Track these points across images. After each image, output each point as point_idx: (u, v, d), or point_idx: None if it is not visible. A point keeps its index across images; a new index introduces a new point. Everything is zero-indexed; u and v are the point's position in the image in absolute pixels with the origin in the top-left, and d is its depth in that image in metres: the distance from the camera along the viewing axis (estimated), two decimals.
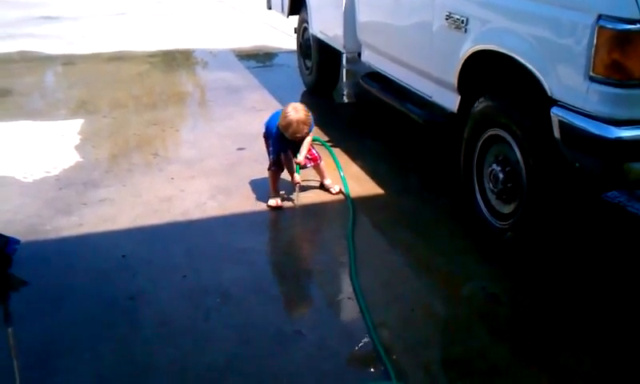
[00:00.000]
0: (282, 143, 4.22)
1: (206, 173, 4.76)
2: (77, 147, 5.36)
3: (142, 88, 7.26)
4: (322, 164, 4.41)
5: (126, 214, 4.14)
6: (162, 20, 11.67)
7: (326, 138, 5.22)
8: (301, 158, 4.21)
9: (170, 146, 5.46)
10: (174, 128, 5.90)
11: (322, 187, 4.43)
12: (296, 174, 4.29)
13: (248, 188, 4.48)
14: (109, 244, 3.80)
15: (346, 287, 3.33)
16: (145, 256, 3.65)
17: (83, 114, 6.30)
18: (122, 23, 11.48)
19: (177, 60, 8.76)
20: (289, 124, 4.07)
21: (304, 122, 4.10)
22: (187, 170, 4.83)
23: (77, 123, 5.97)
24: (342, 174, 4.50)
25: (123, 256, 3.64)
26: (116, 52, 9.11)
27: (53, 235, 3.90)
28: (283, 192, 4.34)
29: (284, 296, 3.37)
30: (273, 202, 4.21)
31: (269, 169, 4.30)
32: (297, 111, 4.10)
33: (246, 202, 4.27)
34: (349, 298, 3.24)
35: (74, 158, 5.12)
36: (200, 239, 3.82)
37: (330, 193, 4.36)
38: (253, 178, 4.61)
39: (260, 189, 4.44)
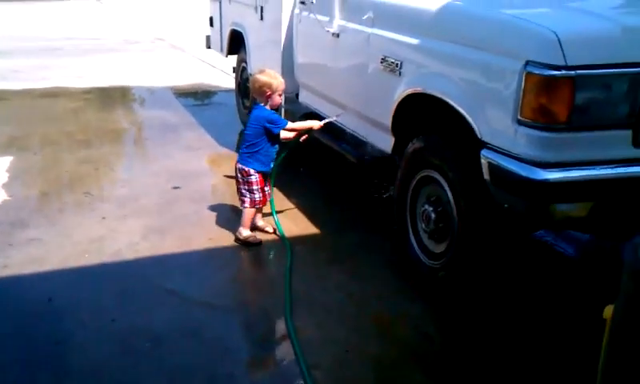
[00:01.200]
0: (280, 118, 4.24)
1: (139, 212, 4.66)
2: (5, 185, 5.19)
3: (75, 125, 7.11)
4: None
5: (55, 255, 4.01)
6: (99, 56, 11.52)
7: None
8: (314, 125, 4.31)
9: (103, 185, 5.34)
10: (107, 166, 5.78)
11: (256, 228, 4.36)
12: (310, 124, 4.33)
13: (182, 228, 4.41)
14: (35, 286, 3.67)
15: (281, 328, 3.30)
16: (73, 299, 3.53)
17: (13, 151, 6.12)
18: (57, 59, 11.28)
19: (113, 97, 8.64)
20: (272, 78, 4.15)
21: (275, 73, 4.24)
22: (120, 209, 4.73)
23: (6, 160, 5.79)
24: (275, 216, 4.46)
25: (50, 299, 3.51)
26: (50, 88, 8.94)
27: None
28: (262, 224, 4.35)
29: (217, 338, 3.29)
30: (248, 233, 4.19)
31: (253, 206, 4.22)
32: (264, 71, 4.23)
33: (180, 243, 4.19)
34: (283, 340, 3.20)
35: (1, 196, 4.96)
36: (131, 281, 3.73)
37: (267, 232, 4.33)
38: (187, 218, 4.55)
39: (195, 228, 4.38)
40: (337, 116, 4.39)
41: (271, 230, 4.34)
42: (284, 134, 4.19)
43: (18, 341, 3.16)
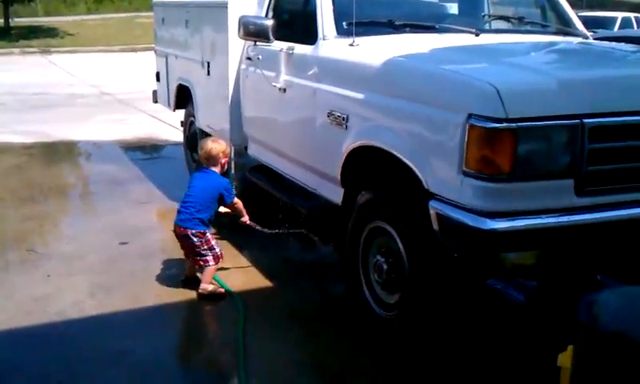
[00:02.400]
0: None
1: (85, 269, 4.56)
2: None
3: (19, 181, 6.95)
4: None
5: None
6: (45, 111, 11.34)
7: (213, 230, 5.16)
8: (246, 218, 4.49)
9: (48, 242, 5.22)
10: (52, 222, 5.66)
11: (188, 283, 4.26)
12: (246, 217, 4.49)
13: (130, 285, 4.32)
14: None
15: None
16: (15, 362, 3.41)
17: None
18: (0, 115, 11.06)
19: (58, 152, 8.50)
20: (225, 146, 4.42)
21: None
22: (65, 266, 4.62)
23: None
24: (218, 278, 4.33)
25: None
26: None
27: None
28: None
29: None
30: (213, 287, 4.17)
31: (217, 261, 4.22)
32: (216, 140, 4.49)
33: (128, 300, 4.10)
34: None
35: None
36: (77, 341, 3.62)
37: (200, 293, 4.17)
38: (135, 274, 4.46)
39: (143, 285, 4.30)
40: (259, 227, 4.59)
41: (207, 290, 4.19)
42: (226, 207, 4.38)
43: None
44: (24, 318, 3.86)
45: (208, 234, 4.19)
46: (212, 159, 4.33)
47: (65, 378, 3.25)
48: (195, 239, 4.14)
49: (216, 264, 4.19)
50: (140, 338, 3.69)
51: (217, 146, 4.37)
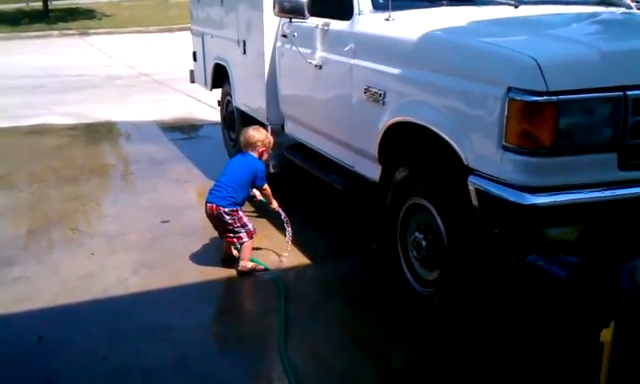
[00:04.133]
0: None
1: (127, 247, 4.64)
2: None
3: (62, 161, 7.09)
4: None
5: (43, 292, 3.98)
6: (84, 93, 11.52)
7: (251, 209, 5.20)
8: (275, 204, 4.53)
9: (91, 221, 5.32)
10: (95, 202, 5.76)
11: (228, 261, 4.33)
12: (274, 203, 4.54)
13: (172, 262, 4.39)
14: (24, 325, 3.64)
15: (276, 362, 3.27)
16: (62, 337, 3.51)
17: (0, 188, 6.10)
18: (42, 96, 11.27)
19: (99, 132, 8.64)
20: (266, 136, 4.47)
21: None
22: (108, 244, 4.71)
23: None
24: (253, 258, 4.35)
25: (39, 338, 3.48)
26: (35, 125, 8.92)
27: None
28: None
29: (210, 375, 3.26)
30: (252, 263, 4.26)
31: (250, 237, 4.25)
32: (258, 128, 4.57)
33: (170, 277, 4.17)
34: (278, 373, 3.18)
35: None
36: (121, 317, 3.70)
37: (240, 271, 4.24)
38: (177, 252, 4.53)
39: (185, 262, 4.37)
40: (285, 217, 4.54)
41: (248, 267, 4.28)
42: (258, 191, 4.45)
43: (8, 380, 3.12)
44: (70, 294, 3.96)
45: (240, 212, 4.23)
46: (251, 146, 4.39)
47: (109, 353, 3.33)
48: (227, 217, 4.18)
49: (250, 240, 4.23)
50: (182, 314, 3.76)
51: (256, 134, 4.44)
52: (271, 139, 4.52)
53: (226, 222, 4.20)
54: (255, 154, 4.38)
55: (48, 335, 3.51)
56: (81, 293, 3.98)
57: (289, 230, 4.49)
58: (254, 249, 4.35)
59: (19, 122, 9.04)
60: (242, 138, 4.47)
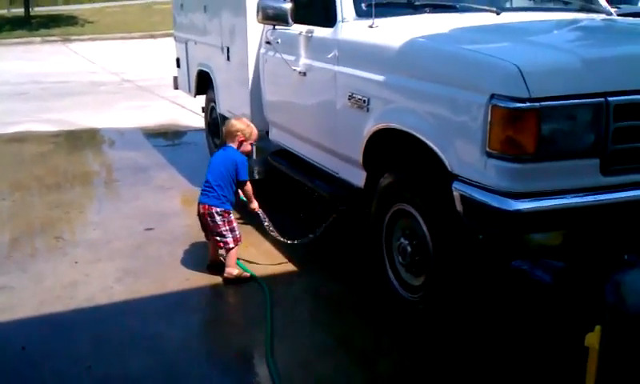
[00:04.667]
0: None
1: (112, 255, 4.62)
2: None
3: (45, 169, 7.05)
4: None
5: (27, 302, 3.95)
6: (67, 100, 11.46)
7: (237, 215, 5.19)
8: (255, 204, 4.41)
9: (75, 229, 5.29)
10: (78, 210, 5.73)
11: (213, 268, 4.31)
12: (255, 203, 4.40)
13: (157, 270, 4.37)
14: (7, 335, 3.61)
15: (263, 369, 3.26)
16: (47, 347, 3.48)
17: None
18: (24, 103, 11.19)
19: (82, 139, 8.59)
20: (247, 126, 4.34)
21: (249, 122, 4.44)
22: (92, 252, 4.68)
23: None
24: (241, 264, 4.36)
25: (23, 348, 3.45)
26: (18, 132, 8.87)
27: None
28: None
29: (196, 382, 3.25)
30: (238, 271, 4.22)
31: (236, 243, 4.21)
32: (240, 119, 4.46)
33: (155, 285, 4.15)
34: (266, 381, 3.17)
35: None
36: (106, 326, 3.68)
37: (226, 277, 4.22)
38: (162, 259, 4.52)
39: (169, 269, 4.36)
40: (266, 221, 4.51)
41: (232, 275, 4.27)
42: (250, 187, 4.35)
43: None
44: (54, 303, 3.93)
45: (231, 215, 4.22)
46: (230, 135, 4.32)
47: (95, 362, 3.31)
48: (218, 218, 4.17)
49: (235, 246, 4.21)
50: (168, 322, 3.75)
51: (237, 123, 4.37)
52: (253, 129, 4.39)
53: (216, 223, 4.18)
54: (234, 145, 4.28)
55: (32, 345, 3.48)
56: (65, 302, 3.95)
57: (271, 229, 4.48)
58: (239, 258, 4.34)
59: (1, 130, 8.97)
60: (223, 129, 4.45)
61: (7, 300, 3.98)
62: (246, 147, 4.34)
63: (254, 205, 4.42)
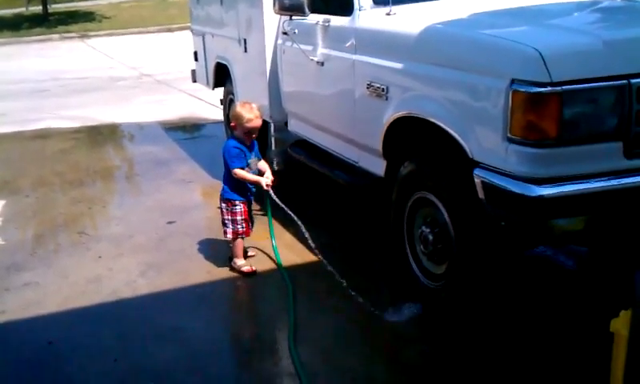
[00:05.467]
0: (239, 157, 4.15)
1: (134, 249, 4.66)
2: None
3: (67, 165, 7.11)
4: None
5: (52, 297, 4.00)
6: (87, 95, 11.54)
7: (257, 207, 5.21)
8: (268, 179, 4.18)
9: (98, 224, 5.33)
10: (100, 204, 5.78)
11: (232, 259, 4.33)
12: (265, 178, 4.18)
13: (179, 263, 4.40)
14: (34, 330, 3.66)
15: (286, 360, 3.27)
16: (73, 341, 3.52)
17: (5, 194, 6.12)
18: (45, 100, 11.29)
19: (102, 135, 8.65)
20: (240, 112, 4.12)
21: (253, 109, 4.17)
22: (115, 247, 4.72)
23: None
24: (275, 246, 4.42)
25: (50, 343, 3.50)
26: (39, 129, 8.94)
27: None
28: (254, 254, 4.39)
29: (221, 375, 3.27)
30: (247, 267, 4.22)
31: (234, 236, 4.22)
32: (243, 104, 4.24)
33: (178, 278, 4.18)
34: (289, 372, 3.18)
35: None
36: (131, 319, 3.72)
37: (250, 257, 4.34)
38: (184, 252, 4.55)
39: (192, 262, 4.38)
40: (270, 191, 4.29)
41: (252, 253, 4.37)
42: (238, 174, 4.16)
43: None
44: (79, 298, 3.97)
45: (238, 207, 4.20)
46: (230, 123, 4.30)
47: (121, 356, 3.35)
48: (223, 206, 4.22)
49: (234, 238, 4.22)
50: (191, 314, 3.78)
51: (235, 107, 4.26)
52: (245, 115, 4.11)
53: (221, 210, 4.24)
54: (237, 133, 4.19)
55: (58, 340, 3.53)
56: (90, 296, 4.00)
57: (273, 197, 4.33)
58: (255, 247, 4.35)
59: (23, 127, 9.06)
60: None
61: (33, 295, 4.03)
62: (239, 134, 4.17)
63: (262, 183, 4.18)
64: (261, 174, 4.23)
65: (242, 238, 4.27)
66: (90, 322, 3.72)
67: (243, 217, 4.23)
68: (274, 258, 4.33)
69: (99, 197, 5.98)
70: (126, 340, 3.50)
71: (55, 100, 11.26)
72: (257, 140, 4.36)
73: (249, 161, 4.21)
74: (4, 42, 22.27)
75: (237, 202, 4.20)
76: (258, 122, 4.19)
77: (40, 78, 13.76)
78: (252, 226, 4.37)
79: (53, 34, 23.70)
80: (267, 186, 4.19)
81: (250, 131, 4.18)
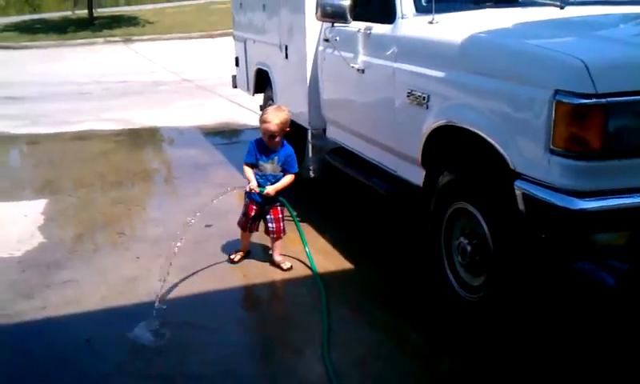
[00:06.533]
0: (250, 153, 4.34)
1: (172, 251, 4.69)
2: (40, 228, 5.28)
3: (107, 166, 7.23)
4: (280, 241, 4.41)
5: (91, 295, 4.06)
6: (128, 99, 11.73)
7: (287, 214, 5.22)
8: (271, 189, 4.26)
9: (136, 225, 5.41)
10: (140, 206, 5.86)
11: (272, 263, 4.40)
12: (253, 183, 4.29)
13: (216, 266, 4.43)
14: (73, 328, 3.72)
15: (319, 367, 3.27)
16: (110, 339, 3.57)
17: (47, 193, 6.24)
18: (87, 102, 11.51)
19: (142, 138, 8.78)
20: (262, 113, 4.35)
21: (275, 114, 4.27)
22: (153, 248, 4.78)
23: (41, 203, 5.90)
24: (307, 249, 4.41)
25: (87, 340, 3.55)
26: (81, 131, 9.11)
27: (14, 320, 3.80)
28: (279, 260, 4.40)
29: (254, 378, 3.29)
30: (233, 256, 4.42)
31: (238, 224, 4.45)
32: (275, 107, 4.47)
33: (214, 280, 4.21)
34: (322, 378, 3.17)
35: (38, 238, 5.04)
36: (167, 320, 3.73)
37: (281, 269, 4.33)
38: (220, 255, 4.58)
39: (228, 266, 4.41)
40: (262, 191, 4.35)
41: (288, 266, 4.35)
42: (244, 168, 4.42)
43: (58, 382, 3.19)
44: (116, 297, 4.03)
45: (245, 200, 4.43)
46: None
47: (157, 356, 3.38)
48: None
49: (239, 227, 4.48)
50: (226, 317, 3.80)
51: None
52: (262, 116, 4.36)
53: None
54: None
55: (96, 337, 3.58)
56: (127, 296, 4.05)
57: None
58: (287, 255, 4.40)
59: (66, 128, 9.24)
60: None
61: (72, 293, 4.10)
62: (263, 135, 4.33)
63: (254, 186, 4.29)
64: (270, 181, 4.31)
65: (244, 231, 4.45)
66: (127, 321, 3.76)
67: (246, 212, 4.39)
68: (309, 264, 4.33)
69: (138, 198, 6.07)
70: (162, 340, 3.53)
71: (98, 102, 11.47)
72: (295, 147, 4.39)
73: (260, 162, 4.31)
74: (51, 44, 22.81)
75: (245, 197, 4.38)
76: (268, 126, 4.25)
77: (83, 80, 14.04)
78: (266, 227, 4.44)
79: (97, 37, 24.17)
80: (249, 189, 4.30)
81: (263, 132, 4.28)
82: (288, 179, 4.34)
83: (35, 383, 3.21)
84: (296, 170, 4.37)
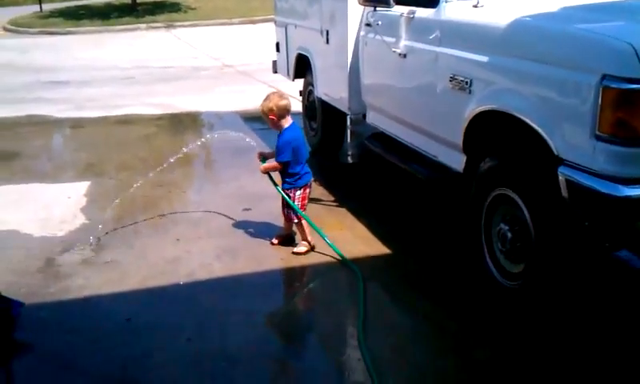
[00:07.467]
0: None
1: (211, 233, 4.75)
2: (83, 209, 5.38)
3: (148, 150, 7.32)
4: (300, 226, 4.40)
5: (132, 275, 4.12)
6: (170, 84, 11.84)
7: (332, 198, 5.22)
8: (261, 166, 4.48)
9: (176, 207, 5.46)
10: (180, 189, 5.92)
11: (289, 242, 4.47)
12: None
13: (254, 248, 4.46)
14: (114, 307, 3.78)
15: (355, 352, 3.27)
16: (150, 318, 3.62)
17: (90, 175, 6.35)
18: (130, 87, 11.65)
19: (183, 123, 8.86)
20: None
21: (263, 100, 4.41)
22: (193, 230, 4.83)
23: (83, 185, 6.01)
24: (326, 239, 4.35)
25: (128, 319, 3.61)
26: (123, 115, 9.23)
27: (57, 298, 3.88)
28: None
29: (291, 360, 3.31)
30: (302, 248, 4.35)
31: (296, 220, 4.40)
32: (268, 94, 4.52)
33: (252, 263, 4.24)
34: (357, 364, 3.17)
35: (80, 219, 5.13)
36: (205, 301, 3.79)
37: (295, 253, 4.34)
38: (259, 239, 4.60)
39: (266, 249, 4.43)
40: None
41: (302, 250, 4.36)
42: None
43: (97, 358, 3.26)
44: (157, 278, 4.08)
45: (292, 194, 4.41)
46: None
47: (195, 336, 3.42)
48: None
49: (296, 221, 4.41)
50: (263, 299, 3.83)
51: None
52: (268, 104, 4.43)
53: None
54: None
55: (136, 317, 3.64)
56: (167, 277, 4.10)
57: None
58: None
59: (109, 112, 9.38)
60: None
61: (114, 273, 4.16)
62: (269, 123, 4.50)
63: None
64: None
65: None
66: (166, 301, 3.82)
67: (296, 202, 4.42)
68: (349, 250, 4.32)
69: (179, 182, 6.13)
70: (200, 321, 3.58)
71: (140, 87, 11.60)
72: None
73: None
74: (94, 29, 23.11)
75: (289, 189, 4.46)
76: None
77: (127, 66, 14.20)
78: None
79: (140, 23, 24.39)
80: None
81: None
82: (272, 164, 4.47)
83: (79, 360, 3.26)
84: (279, 159, 4.40)
